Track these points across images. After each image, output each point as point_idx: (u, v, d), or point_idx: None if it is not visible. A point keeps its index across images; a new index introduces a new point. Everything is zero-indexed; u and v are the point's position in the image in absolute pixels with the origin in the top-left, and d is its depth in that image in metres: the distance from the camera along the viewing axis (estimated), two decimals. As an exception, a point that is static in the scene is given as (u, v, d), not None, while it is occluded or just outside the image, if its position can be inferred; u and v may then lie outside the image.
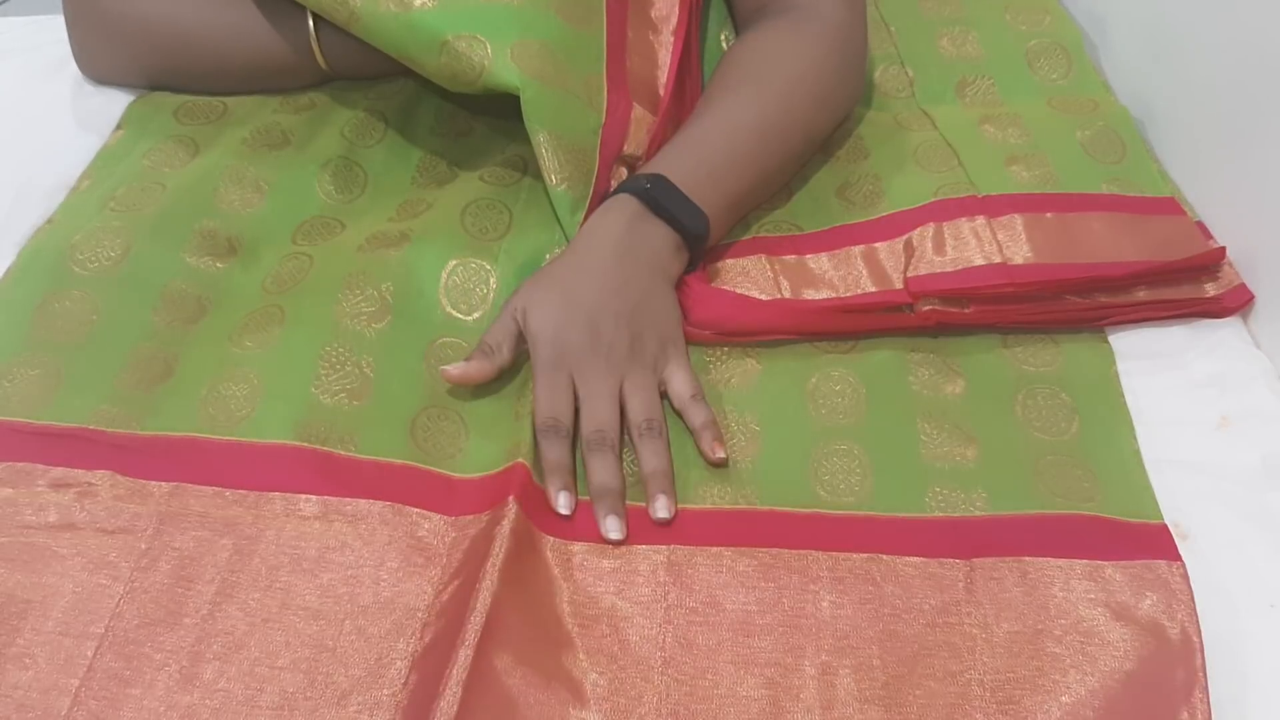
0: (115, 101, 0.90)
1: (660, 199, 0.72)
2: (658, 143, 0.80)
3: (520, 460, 0.64)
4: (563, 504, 0.64)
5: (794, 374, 0.71)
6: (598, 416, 0.67)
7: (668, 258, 0.73)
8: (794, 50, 0.81)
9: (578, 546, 0.63)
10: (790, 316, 0.73)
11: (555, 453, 0.66)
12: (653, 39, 0.86)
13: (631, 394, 0.68)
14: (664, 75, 0.85)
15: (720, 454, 0.66)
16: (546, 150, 0.76)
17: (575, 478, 0.66)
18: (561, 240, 0.77)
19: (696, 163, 0.75)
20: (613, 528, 0.63)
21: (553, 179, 0.76)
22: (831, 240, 0.78)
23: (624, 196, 0.73)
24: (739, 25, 0.89)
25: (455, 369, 0.69)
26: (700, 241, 0.74)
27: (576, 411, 0.68)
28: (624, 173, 0.80)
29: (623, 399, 0.68)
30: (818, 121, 0.83)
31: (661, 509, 0.64)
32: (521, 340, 0.70)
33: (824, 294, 0.74)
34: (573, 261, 0.72)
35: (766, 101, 0.79)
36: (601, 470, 0.65)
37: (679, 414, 0.69)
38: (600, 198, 0.77)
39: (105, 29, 0.88)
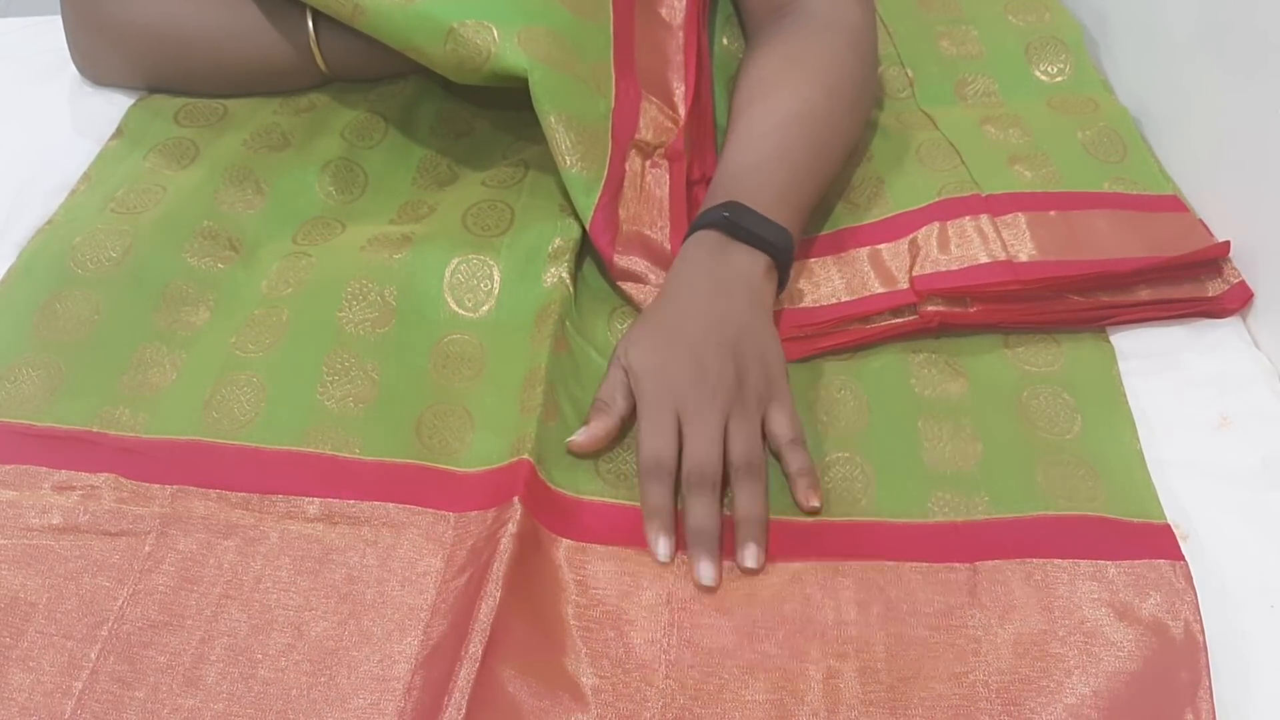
0: (115, 103, 0.90)
1: (743, 224, 0.71)
2: (683, 138, 0.81)
3: (525, 456, 0.64)
4: (662, 550, 0.62)
5: (797, 383, 0.71)
6: (700, 454, 0.64)
7: (760, 284, 0.71)
8: (826, 57, 0.81)
9: (584, 548, 0.63)
10: (799, 333, 0.74)
11: (657, 495, 0.63)
12: (662, 35, 0.86)
13: (735, 432, 0.65)
14: (676, 70, 0.85)
15: (815, 503, 0.64)
16: (559, 131, 0.76)
17: (675, 521, 0.63)
18: (566, 230, 0.77)
19: (761, 184, 0.73)
20: (706, 574, 0.61)
21: (566, 160, 0.76)
22: (837, 243, 0.78)
23: (703, 232, 0.72)
24: (749, 27, 0.89)
25: (579, 437, 0.66)
26: (789, 258, 0.72)
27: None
28: (638, 159, 0.79)
29: (726, 435, 0.65)
30: (857, 127, 0.82)
31: (750, 558, 0.62)
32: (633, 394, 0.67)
33: (831, 299, 0.75)
34: (668, 302, 0.70)
35: (814, 112, 0.78)
36: (701, 512, 0.63)
37: (775, 456, 0.67)
38: (617, 183, 0.77)
39: (103, 31, 0.88)
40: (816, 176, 0.77)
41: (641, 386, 0.67)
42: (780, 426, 0.67)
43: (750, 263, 0.71)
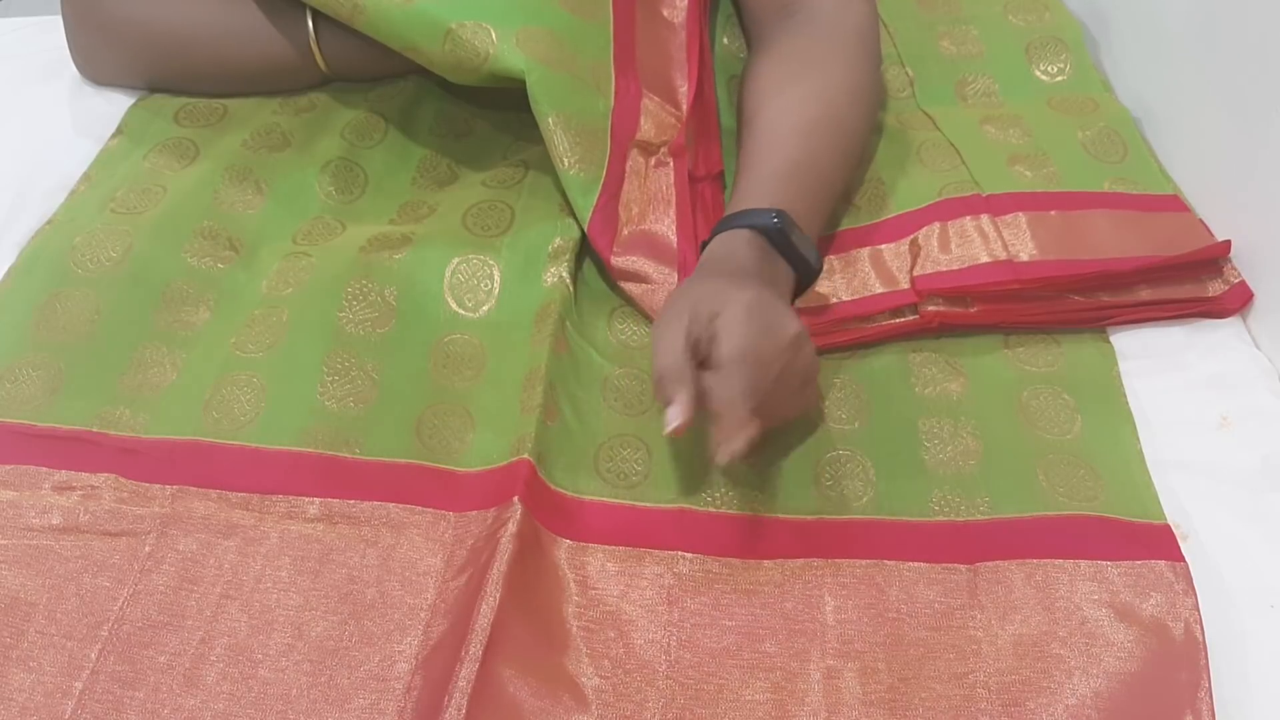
0: (115, 103, 0.90)
1: (791, 236, 0.68)
2: (685, 134, 0.80)
3: (525, 456, 0.64)
4: (674, 414, 0.59)
5: None
6: (736, 344, 0.59)
7: (786, 298, 0.70)
8: (842, 59, 0.80)
9: (584, 548, 0.63)
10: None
11: (672, 358, 0.60)
12: (664, 33, 0.86)
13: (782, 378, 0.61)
14: (679, 69, 0.85)
15: (721, 460, 0.60)
16: (557, 132, 0.76)
17: (692, 388, 0.59)
18: (566, 230, 0.76)
19: (797, 194, 0.71)
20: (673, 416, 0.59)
21: (564, 162, 0.76)
22: (838, 244, 0.78)
23: (747, 233, 0.68)
24: (753, 27, 0.88)
25: (674, 420, 0.60)
26: (814, 281, 0.72)
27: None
28: (641, 158, 0.79)
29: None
30: (870, 131, 0.82)
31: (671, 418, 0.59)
32: (696, 348, 0.61)
33: (832, 299, 0.75)
34: (718, 274, 0.66)
35: (839, 116, 0.77)
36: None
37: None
38: (616, 183, 0.77)
39: (103, 31, 0.88)
40: (837, 186, 0.77)
41: (723, 310, 0.61)
42: (805, 401, 0.66)
43: (783, 278, 0.70)
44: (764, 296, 0.62)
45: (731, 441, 0.58)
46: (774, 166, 0.74)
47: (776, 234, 0.68)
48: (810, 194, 0.73)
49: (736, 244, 0.68)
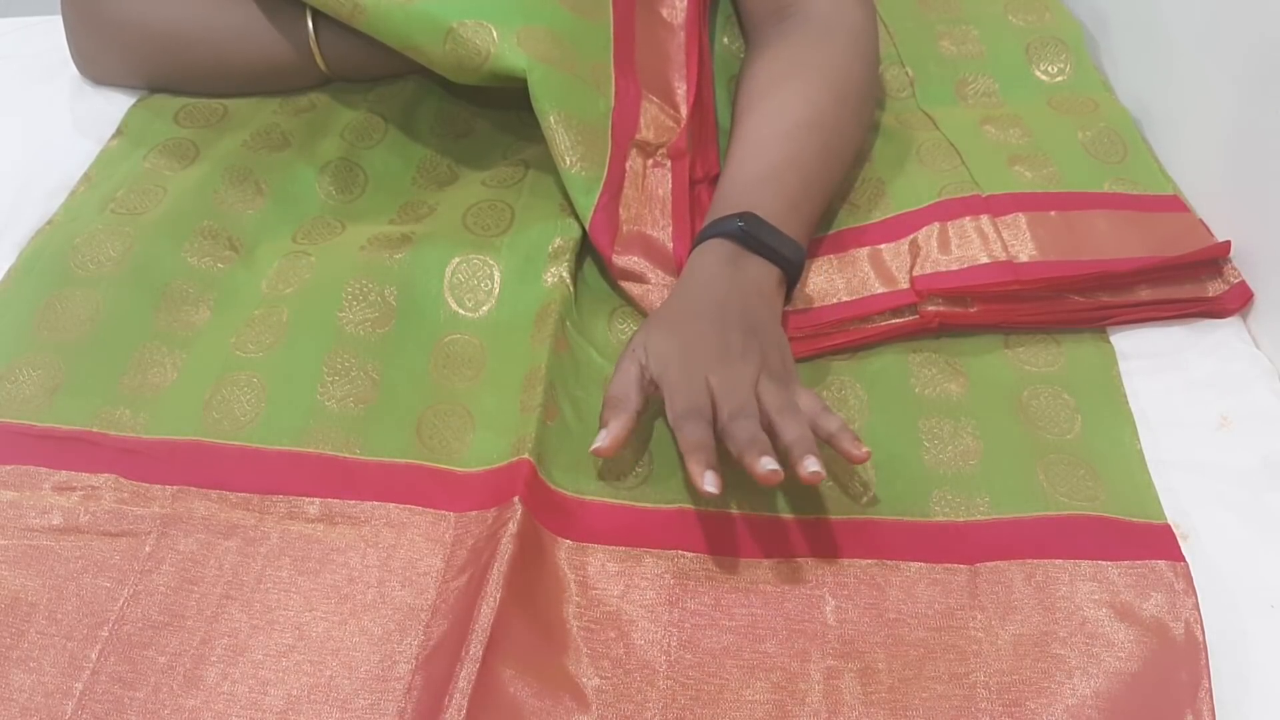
0: (115, 103, 0.90)
1: (758, 235, 0.70)
2: (685, 137, 0.81)
3: (525, 456, 0.64)
4: (709, 482, 0.60)
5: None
6: (738, 399, 0.62)
7: (770, 294, 0.70)
8: (832, 61, 0.80)
9: (585, 548, 0.63)
10: (800, 333, 0.73)
11: (698, 432, 0.61)
12: (663, 34, 0.86)
13: (765, 390, 0.63)
14: (678, 70, 0.85)
15: (863, 450, 0.62)
16: (559, 130, 0.76)
17: (718, 457, 0.61)
18: (566, 230, 0.77)
19: (775, 193, 0.72)
20: (768, 465, 0.60)
21: (566, 160, 0.76)
22: (838, 243, 0.78)
23: (715, 241, 0.70)
24: (750, 29, 0.89)
25: (602, 441, 0.63)
26: (799, 272, 0.72)
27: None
28: (640, 159, 0.79)
29: (757, 393, 0.63)
30: (862, 132, 0.82)
31: (812, 464, 0.59)
32: (649, 386, 0.65)
33: (831, 299, 0.75)
34: (681, 299, 0.69)
35: (823, 119, 0.77)
36: (749, 430, 0.61)
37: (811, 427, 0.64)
38: (617, 183, 0.77)
39: (103, 31, 0.88)
40: (825, 185, 0.77)
41: (667, 364, 0.64)
42: (806, 400, 0.65)
43: (763, 274, 0.70)
44: (699, 339, 0.65)
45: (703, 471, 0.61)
46: (753, 170, 0.74)
47: (744, 236, 0.70)
48: (791, 193, 0.73)
49: (707, 256, 0.71)
